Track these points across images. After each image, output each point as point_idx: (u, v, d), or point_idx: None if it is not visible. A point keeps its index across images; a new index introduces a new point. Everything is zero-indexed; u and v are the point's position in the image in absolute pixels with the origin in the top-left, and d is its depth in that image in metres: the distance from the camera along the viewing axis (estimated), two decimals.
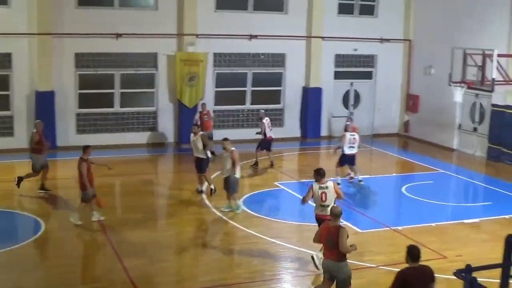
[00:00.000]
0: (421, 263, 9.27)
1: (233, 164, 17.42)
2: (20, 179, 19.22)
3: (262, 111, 24.26)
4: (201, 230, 16.72)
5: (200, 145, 19.28)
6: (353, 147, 21.01)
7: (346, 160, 21.12)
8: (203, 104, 25.68)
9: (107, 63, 26.05)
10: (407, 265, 9.26)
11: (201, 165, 19.42)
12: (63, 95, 25.37)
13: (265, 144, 23.27)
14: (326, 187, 13.59)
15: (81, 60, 25.70)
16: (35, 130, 19.52)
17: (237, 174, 17.68)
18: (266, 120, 23.26)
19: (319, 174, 13.62)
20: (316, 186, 13.58)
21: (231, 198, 17.74)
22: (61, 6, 24.90)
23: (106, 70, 26.09)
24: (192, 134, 19.61)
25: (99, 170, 17.48)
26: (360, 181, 21.25)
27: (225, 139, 17.87)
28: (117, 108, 26.55)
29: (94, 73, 25.94)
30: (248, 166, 22.68)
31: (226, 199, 17.97)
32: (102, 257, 14.67)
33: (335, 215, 11.43)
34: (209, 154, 19.94)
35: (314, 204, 13.93)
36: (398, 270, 9.30)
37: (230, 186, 17.65)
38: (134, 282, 12.93)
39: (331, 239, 11.20)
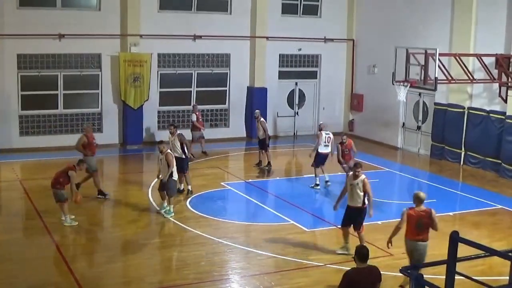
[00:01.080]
0: (369, 262, 9.33)
1: (169, 167, 17.25)
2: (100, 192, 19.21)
3: (258, 111, 24.31)
4: (148, 232, 16.56)
5: (178, 145, 19.23)
6: (327, 145, 21.15)
7: (321, 159, 21.16)
8: (194, 106, 25.71)
9: (50, 64, 25.64)
10: (354, 265, 9.31)
11: (181, 165, 19.23)
12: (5, 97, 24.89)
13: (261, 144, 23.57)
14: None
15: (24, 61, 25.25)
16: (84, 133, 19.57)
17: (175, 177, 17.55)
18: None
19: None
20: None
21: (169, 201, 17.53)
22: (2, 6, 24.41)
23: (49, 72, 25.68)
24: (169, 135, 19.56)
25: (43, 172, 17.22)
26: (327, 181, 21.35)
27: (161, 142, 17.83)
28: (61, 109, 26.16)
29: (37, 75, 25.50)
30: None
31: (162, 200, 17.84)
32: (48, 260, 14.38)
33: (421, 200, 12.43)
34: (188, 153, 19.90)
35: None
36: (346, 269, 9.33)
37: (168, 188, 17.46)
38: (81, 285, 12.75)
39: (422, 222, 12.26)
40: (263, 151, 23.33)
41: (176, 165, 18.94)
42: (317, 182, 20.94)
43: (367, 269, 8.94)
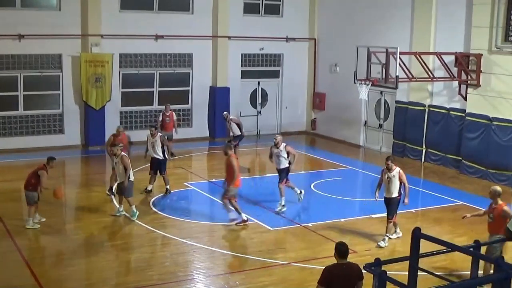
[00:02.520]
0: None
1: (125, 169, 17.14)
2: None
3: (226, 112, 24.50)
4: (111, 233, 16.46)
5: (159, 146, 19.29)
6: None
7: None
8: (167, 105, 25.30)
9: (9, 65, 25.31)
10: (317, 263, 9.36)
11: (159, 166, 19.47)
12: None
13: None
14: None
15: None
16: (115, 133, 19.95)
17: (131, 178, 17.42)
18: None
19: None
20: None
21: (128, 202, 17.36)
22: None
23: (8, 72, 25.35)
24: (149, 135, 19.58)
25: (3, 175, 17.00)
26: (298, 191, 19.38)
27: (113, 145, 17.96)
28: (21, 111, 25.85)
29: None
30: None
31: (118, 204, 17.75)
32: (9, 263, 14.19)
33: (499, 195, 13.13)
34: (167, 155, 19.93)
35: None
36: (310, 267, 9.37)
37: (125, 190, 17.28)
38: None
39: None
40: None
41: (155, 167, 19.17)
42: (283, 203, 18.55)
43: (346, 265, 8.98)
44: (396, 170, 15.53)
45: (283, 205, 18.32)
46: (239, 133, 24.02)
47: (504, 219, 12.51)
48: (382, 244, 15.45)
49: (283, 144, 18.06)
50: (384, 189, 15.73)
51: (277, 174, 18.75)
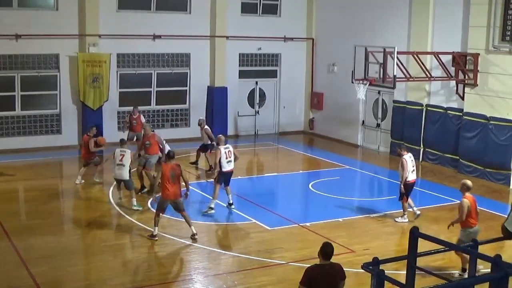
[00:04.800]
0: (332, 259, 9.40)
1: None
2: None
3: (201, 118, 24.20)
4: (109, 233, 16.43)
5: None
6: (230, 161, 18.18)
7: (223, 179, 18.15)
8: (134, 109, 25.24)
9: (7, 65, 25.27)
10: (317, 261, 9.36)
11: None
12: None
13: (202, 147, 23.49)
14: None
15: None
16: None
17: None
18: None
19: None
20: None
21: (131, 195, 18.15)
22: None
23: (6, 73, 25.32)
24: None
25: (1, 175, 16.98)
26: (230, 204, 18.43)
27: (122, 141, 18.73)
28: (18, 111, 25.83)
29: None
30: None
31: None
32: (7, 264, 14.17)
33: (470, 188, 13.58)
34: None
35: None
36: (306, 268, 9.37)
37: (129, 185, 18.20)
38: None
39: (474, 208, 13.32)
40: (204, 153, 23.28)
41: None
42: (212, 206, 17.93)
43: (328, 266, 9.00)
44: (401, 159, 17.23)
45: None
46: (209, 143, 23.21)
47: (460, 211, 13.17)
48: (399, 219, 17.33)
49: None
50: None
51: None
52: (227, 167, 17.91)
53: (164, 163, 16.01)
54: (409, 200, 17.39)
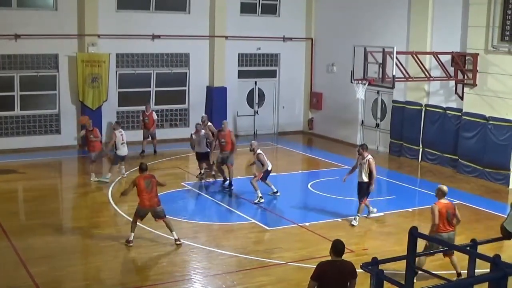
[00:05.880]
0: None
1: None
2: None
3: (205, 115, 23.82)
4: (108, 233, 16.42)
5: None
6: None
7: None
8: (147, 106, 25.76)
9: (6, 65, 25.27)
10: (315, 263, 9.38)
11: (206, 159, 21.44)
12: None
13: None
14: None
15: None
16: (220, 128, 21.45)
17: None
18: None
19: None
20: None
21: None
22: None
23: (5, 72, 25.31)
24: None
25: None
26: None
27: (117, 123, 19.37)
28: (17, 111, 25.83)
29: None
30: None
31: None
32: (6, 264, 14.16)
33: (445, 193, 13.32)
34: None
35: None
36: (308, 266, 9.39)
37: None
38: None
39: (451, 213, 13.02)
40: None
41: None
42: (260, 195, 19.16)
43: (339, 262, 9.05)
44: (367, 158, 17.07)
45: (261, 197, 19.02)
46: (207, 150, 22.86)
47: (432, 216, 12.95)
48: (354, 223, 16.95)
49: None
50: (357, 173, 17.37)
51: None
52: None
53: (138, 176, 15.34)
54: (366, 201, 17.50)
